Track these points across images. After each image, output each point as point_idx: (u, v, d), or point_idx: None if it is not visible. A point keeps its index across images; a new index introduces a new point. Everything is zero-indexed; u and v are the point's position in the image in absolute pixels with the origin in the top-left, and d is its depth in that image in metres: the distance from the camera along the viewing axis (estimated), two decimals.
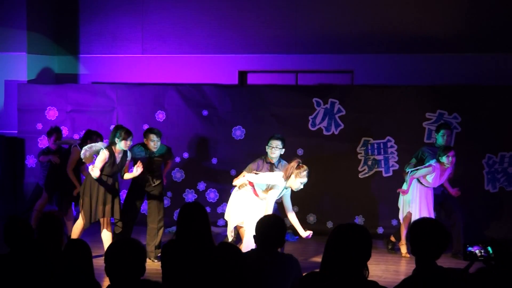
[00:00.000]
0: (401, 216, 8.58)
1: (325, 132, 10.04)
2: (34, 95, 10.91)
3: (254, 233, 4.48)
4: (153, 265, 7.65)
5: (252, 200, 7.47)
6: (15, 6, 11.56)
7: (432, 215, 8.30)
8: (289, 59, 11.60)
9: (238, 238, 7.86)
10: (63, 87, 11.19)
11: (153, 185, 8.40)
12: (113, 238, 7.99)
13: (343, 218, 9.27)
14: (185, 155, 10.46)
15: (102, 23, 12.20)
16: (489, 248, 3.46)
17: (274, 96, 10.23)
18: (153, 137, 8.25)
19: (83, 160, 8.09)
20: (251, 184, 7.45)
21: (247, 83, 11.91)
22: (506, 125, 9.56)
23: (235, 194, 7.67)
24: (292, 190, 7.40)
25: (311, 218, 10.13)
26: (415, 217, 8.23)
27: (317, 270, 3.45)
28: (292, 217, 7.46)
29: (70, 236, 8.25)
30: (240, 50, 11.70)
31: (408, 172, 8.48)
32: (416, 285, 3.49)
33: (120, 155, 7.91)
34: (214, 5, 11.78)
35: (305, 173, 7.27)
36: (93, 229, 8.39)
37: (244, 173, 7.86)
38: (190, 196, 10.43)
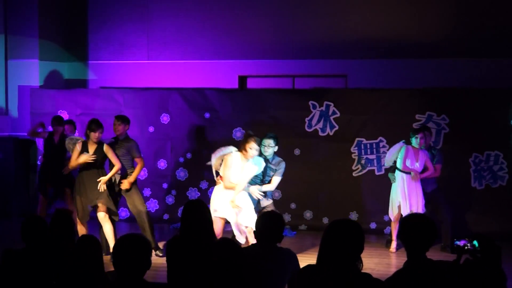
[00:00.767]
0: (390, 212, 8.53)
1: (320, 133, 10.04)
2: (45, 100, 10.91)
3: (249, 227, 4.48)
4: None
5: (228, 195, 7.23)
6: (28, 15, 11.57)
7: (422, 207, 8.23)
8: (287, 64, 11.60)
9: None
10: (73, 91, 11.19)
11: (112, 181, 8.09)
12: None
13: (338, 214, 9.24)
14: (188, 155, 10.46)
15: (110, 31, 12.20)
16: (475, 242, 3.47)
17: (272, 99, 10.23)
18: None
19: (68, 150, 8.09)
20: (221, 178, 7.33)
21: (246, 87, 11.90)
22: (491, 126, 9.56)
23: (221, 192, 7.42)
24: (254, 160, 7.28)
25: (308, 215, 10.13)
26: (405, 209, 8.22)
27: (314, 263, 3.45)
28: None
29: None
30: (240, 56, 11.70)
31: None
32: (408, 277, 3.50)
33: (94, 147, 7.77)
34: (215, 14, 11.78)
35: (253, 143, 7.17)
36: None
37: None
38: (193, 194, 10.43)
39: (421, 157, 8.30)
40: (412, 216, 3.75)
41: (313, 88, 11.05)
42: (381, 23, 11.18)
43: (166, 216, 10.60)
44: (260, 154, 7.53)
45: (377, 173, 9.90)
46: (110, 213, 7.82)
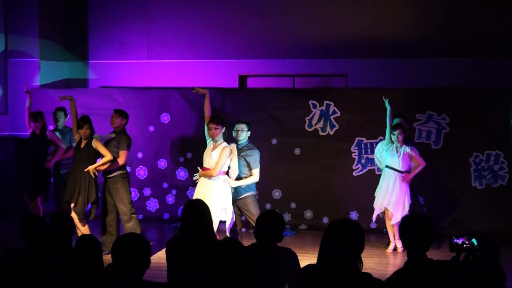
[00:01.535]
0: (377, 207, 8.57)
1: (321, 133, 10.04)
2: (46, 99, 10.90)
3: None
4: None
5: (203, 194, 7.21)
6: (28, 15, 11.57)
7: (408, 200, 8.27)
8: (287, 64, 11.60)
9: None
10: (73, 91, 11.18)
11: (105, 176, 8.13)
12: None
13: (338, 214, 9.26)
14: (189, 155, 10.46)
15: (110, 31, 12.20)
16: (474, 240, 3.47)
17: (272, 99, 10.22)
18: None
19: None
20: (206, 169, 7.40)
21: (247, 87, 11.90)
22: (492, 125, 9.55)
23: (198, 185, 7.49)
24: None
25: (308, 214, 10.12)
26: (380, 203, 8.30)
27: (314, 263, 3.44)
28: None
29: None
30: (240, 56, 11.70)
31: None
32: (408, 276, 3.50)
33: (85, 143, 7.89)
34: (215, 14, 11.78)
35: (210, 124, 7.40)
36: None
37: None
38: (193, 193, 10.41)
39: (403, 153, 8.32)
40: (411, 216, 3.75)
41: (313, 87, 11.05)
42: (382, 22, 11.17)
43: (166, 216, 10.60)
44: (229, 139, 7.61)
45: (377, 173, 9.88)
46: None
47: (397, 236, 8.47)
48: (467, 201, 9.61)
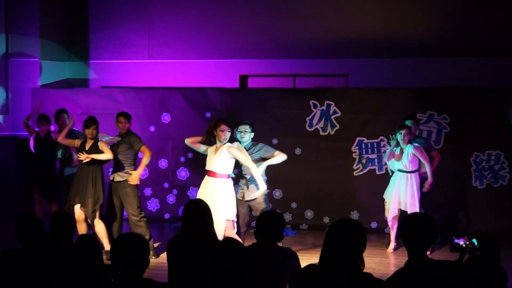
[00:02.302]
0: (391, 210, 8.51)
1: (321, 133, 10.04)
2: (47, 99, 10.89)
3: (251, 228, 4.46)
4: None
5: (212, 198, 6.97)
6: (29, 15, 11.57)
7: (414, 206, 8.23)
8: (287, 64, 11.59)
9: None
10: (74, 91, 11.20)
11: (114, 180, 8.00)
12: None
13: (339, 214, 9.24)
14: (189, 155, 10.45)
15: (111, 31, 12.20)
16: (474, 240, 3.47)
17: (273, 99, 10.22)
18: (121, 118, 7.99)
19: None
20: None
21: (247, 87, 11.90)
22: (492, 125, 9.55)
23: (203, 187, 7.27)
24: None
25: (309, 214, 10.12)
26: (394, 207, 8.27)
27: (315, 263, 3.44)
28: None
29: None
30: (241, 56, 11.70)
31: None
32: (409, 276, 3.50)
33: (90, 144, 7.80)
34: (216, 14, 11.78)
35: (223, 125, 7.13)
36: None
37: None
38: (194, 193, 10.41)
39: (408, 152, 8.27)
40: (412, 215, 3.75)
41: (314, 87, 11.05)
42: (382, 22, 11.17)
43: (167, 216, 10.60)
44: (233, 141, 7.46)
45: (378, 173, 9.90)
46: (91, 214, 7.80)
47: None
48: (468, 201, 9.62)
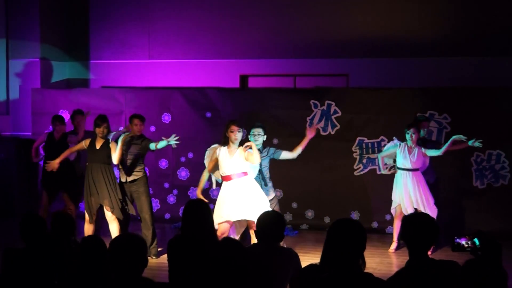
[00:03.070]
0: (393, 210, 8.51)
1: (322, 132, 10.03)
2: (47, 99, 10.91)
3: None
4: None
5: (239, 198, 6.93)
6: (29, 15, 11.58)
7: (427, 204, 8.19)
8: (288, 64, 11.59)
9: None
10: (74, 91, 11.20)
11: (127, 181, 7.96)
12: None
13: (339, 214, 9.25)
14: (190, 155, 10.45)
15: (111, 31, 12.20)
16: (476, 240, 3.47)
17: (273, 99, 10.22)
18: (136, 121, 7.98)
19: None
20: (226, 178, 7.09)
21: (248, 87, 11.90)
22: (493, 125, 9.55)
23: (224, 194, 7.12)
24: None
25: (309, 214, 10.12)
26: (408, 207, 8.21)
27: (315, 262, 3.44)
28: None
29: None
30: (241, 55, 11.70)
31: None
32: (410, 276, 3.50)
33: (101, 143, 7.76)
34: (216, 14, 11.78)
35: (233, 126, 7.04)
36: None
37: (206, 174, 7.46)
38: (194, 193, 10.41)
39: (417, 152, 8.25)
40: (413, 215, 3.76)
41: (314, 87, 11.04)
42: (382, 22, 11.17)
43: (167, 216, 10.60)
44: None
45: (378, 172, 9.88)
46: (115, 212, 7.78)
47: None
48: (469, 200, 9.61)
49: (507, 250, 3.91)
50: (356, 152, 9.96)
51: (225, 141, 7.11)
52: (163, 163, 10.57)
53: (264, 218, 4.46)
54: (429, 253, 3.59)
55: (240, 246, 3.71)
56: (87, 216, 7.80)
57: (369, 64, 11.24)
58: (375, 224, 9.80)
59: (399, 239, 8.49)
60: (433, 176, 8.76)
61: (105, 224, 8.08)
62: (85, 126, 8.96)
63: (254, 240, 6.37)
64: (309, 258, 7.61)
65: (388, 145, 8.64)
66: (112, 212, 7.71)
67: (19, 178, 11.01)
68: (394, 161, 8.51)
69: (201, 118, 10.40)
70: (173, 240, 4.76)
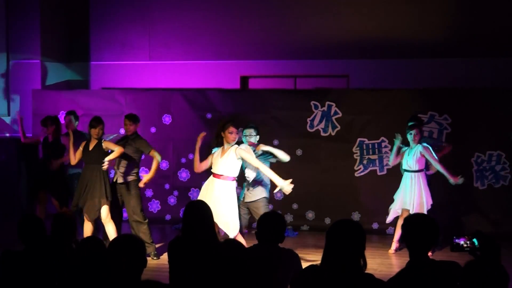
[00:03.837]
0: (393, 210, 8.47)
1: (322, 133, 10.04)
2: (47, 100, 10.92)
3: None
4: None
5: (216, 200, 6.90)
6: (30, 16, 11.59)
7: (426, 203, 8.18)
8: (288, 65, 11.60)
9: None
10: (75, 92, 11.21)
11: (117, 182, 7.96)
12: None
13: (340, 215, 9.22)
14: (191, 156, 10.44)
15: (112, 32, 12.21)
16: (475, 240, 3.47)
17: (274, 100, 10.22)
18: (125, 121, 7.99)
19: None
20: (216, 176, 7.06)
21: (248, 88, 11.90)
22: (493, 126, 9.55)
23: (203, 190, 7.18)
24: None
25: (310, 215, 10.12)
26: (399, 206, 8.24)
27: (316, 263, 3.45)
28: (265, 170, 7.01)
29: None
30: (241, 57, 11.71)
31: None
32: (410, 277, 3.50)
33: (94, 144, 7.78)
34: (217, 15, 11.79)
35: (231, 127, 6.98)
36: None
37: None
38: (195, 194, 10.42)
39: (416, 152, 8.24)
40: (414, 216, 3.76)
41: (314, 88, 11.05)
42: (383, 23, 11.18)
43: (168, 217, 10.60)
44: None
45: (379, 173, 9.90)
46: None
47: None
48: (469, 201, 9.61)
49: (508, 251, 3.92)
50: (356, 153, 9.96)
51: (219, 142, 7.11)
52: (164, 164, 10.57)
53: (265, 219, 4.46)
54: (429, 254, 3.59)
55: (241, 247, 3.72)
56: (86, 216, 7.81)
57: (370, 65, 11.25)
58: (375, 225, 9.80)
59: (400, 240, 8.49)
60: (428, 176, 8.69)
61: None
62: (73, 126, 8.98)
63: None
64: (309, 259, 7.62)
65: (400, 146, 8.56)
66: (90, 212, 7.69)
67: (20, 180, 11.02)
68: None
69: (202, 119, 10.41)
70: (173, 241, 4.75)
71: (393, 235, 8.88)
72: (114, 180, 8.02)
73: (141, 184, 7.96)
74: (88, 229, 7.78)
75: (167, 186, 10.62)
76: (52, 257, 4.58)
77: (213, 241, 4.65)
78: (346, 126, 9.95)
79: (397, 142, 8.40)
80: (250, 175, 7.32)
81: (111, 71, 12.17)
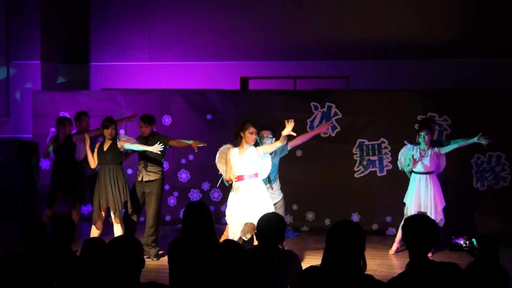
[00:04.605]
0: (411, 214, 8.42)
1: (322, 134, 10.02)
2: (48, 101, 10.92)
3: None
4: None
5: (248, 199, 6.90)
6: (30, 17, 11.59)
7: (440, 205, 8.15)
8: (288, 66, 11.60)
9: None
10: (75, 93, 11.21)
11: (143, 180, 8.00)
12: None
13: (340, 216, 9.24)
14: (191, 157, 10.45)
15: (112, 33, 12.21)
16: (474, 240, 3.47)
17: (274, 101, 10.22)
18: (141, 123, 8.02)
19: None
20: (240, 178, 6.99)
21: (248, 89, 11.90)
22: (493, 126, 9.54)
23: (232, 197, 7.08)
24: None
25: (310, 216, 10.12)
26: (412, 209, 8.17)
27: (316, 264, 3.45)
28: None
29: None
30: (242, 58, 11.71)
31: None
32: (410, 278, 3.50)
33: (109, 144, 7.82)
34: (217, 16, 11.79)
35: (252, 128, 6.91)
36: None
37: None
38: (195, 195, 10.43)
39: (431, 154, 8.20)
40: (413, 217, 3.74)
41: (314, 89, 11.05)
42: (383, 24, 11.18)
43: (168, 218, 10.60)
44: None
45: (379, 174, 9.89)
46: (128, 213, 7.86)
47: None
48: (469, 202, 9.61)
49: (508, 252, 3.92)
50: (356, 154, 9.96)
51: (238, 142, 6.98)
52: (164, 165, 10.55)
53: (265, 220, 4.46)
54: (429, 255, 3.59)
55: (240, 248, 3.71)
56: (95, 216, 7.81)
57: (370, 66, 11.25)
58: (375, 226, 9.80)
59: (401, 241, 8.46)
60: (442, 177, 8.68)
61: (110, 226, 8.11)
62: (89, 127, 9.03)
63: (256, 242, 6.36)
64: (309, 260, 7.63)
65: (403, 151, 8.48)
66: (114, 214, 7.72)
67: (20, 181, 11.01)
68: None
69: (202, 120, 10.41)
70: (173, 242, 4.75)
71: (393, 236, 8.88)
72: (139, 179, 8.02)
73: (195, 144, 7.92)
74: (95, 231, 7.79)
75: (167, 187, 10.61)
76: (52, 258, 4.58)
77: (212, 242, 4.65)
78: (346, 127, 9.95)
79: (410, 151, 8.31)
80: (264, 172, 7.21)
81: (111, 72, 12.18)
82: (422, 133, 8.15)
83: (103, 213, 7.86)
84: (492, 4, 10.92)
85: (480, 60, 10.79)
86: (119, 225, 7.77)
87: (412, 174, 8.30)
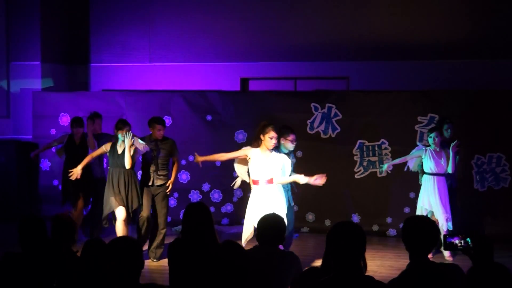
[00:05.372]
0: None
1: (322, 135, 10.04)
2: (48, 102, 10.92)
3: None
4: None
5: (263, 205, 6.85)
6: (30, 18, 11.60)
7: (447, 209, 8.15)
8: (288, 67, 11.60)
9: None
10: (75, 94, 11.21)
11: (155, 184, 8.01)
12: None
13: (340, 217, 9.24)
14: (191, 158, 10.44)
15: (112, 34, 12.22)
16: (468, 239, 3.48)
17: (274, 102, 10.22)
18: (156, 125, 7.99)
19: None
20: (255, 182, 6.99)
21: (248, 90, 11.91)
22: (493, 128, 9.55)
23: (252, 199, 7.05)
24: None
25: (310, 217, 10.12)
26: (438, 213, 8.14)
27: (317, 265, 3.44)
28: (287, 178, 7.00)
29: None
30: (242, 58, 11.71)
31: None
32: (411, 279, 3.50)
33: (123, 147, 7.80)
34: (217, 16, 11.79)
35: (272, 132, 6.82)
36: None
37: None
38: (195, 196, 10.43)
39: (444, 155, 8.19)
40: (413, 218, 3.74)
41: (315, 90, 11.05)
42: (383, 25, 11.18)
43: (168, 219, 10.58)
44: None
45: (379, 175, 9.89)
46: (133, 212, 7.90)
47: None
48: (469, 203, 9.60)
49: (508, 252, 3.92)
50: (356, 155, 9.96)
51: (258, 144, 6.92)
52: None
53: (265, 221, 4.46)
54: (429, 256, 3.59)
55: (240, 249, 3.72)
56: (118, 216, 7.77)
57: (370, 67, 11.25)
58: (376, 227, 9.80)
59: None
60: (456, 181, 8.65)
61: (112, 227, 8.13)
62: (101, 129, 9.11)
63: None
64: (309, 261, 7.63)
65: (413, 150, 8.49)
66: (123, 217, 7.78)
67: (20, 182, 11.01)
68: (422, 171, 8.39)
69: (202, 121, 10.41)
70: (173, 243, 4.75)
71: (393, 237, 8.87)
72: (149, 183, 8.00)
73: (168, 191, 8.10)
74: (122, 230, 7.79)
75: None
76: (51, 259, 4.58)
77: (212, 243, 4.65)
78: (346, 128, 9.95)
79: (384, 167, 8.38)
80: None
81: (111, 73, 12.18)
82: (432, 135, 8.16)
83: (124, 213, 7.80)
84: (493, 5, 10.92)
85: (480, 61, 10.79)
86: (124, 227, 7.76)
87: (424, 175, 8.27)
